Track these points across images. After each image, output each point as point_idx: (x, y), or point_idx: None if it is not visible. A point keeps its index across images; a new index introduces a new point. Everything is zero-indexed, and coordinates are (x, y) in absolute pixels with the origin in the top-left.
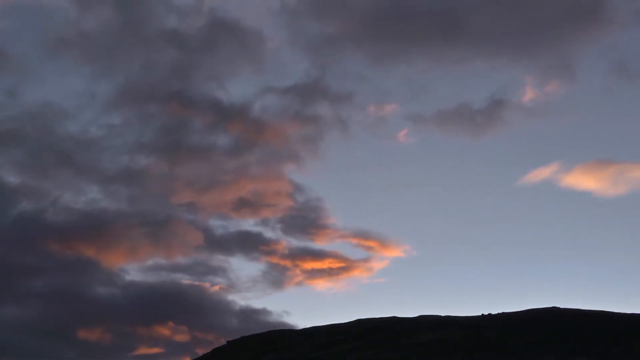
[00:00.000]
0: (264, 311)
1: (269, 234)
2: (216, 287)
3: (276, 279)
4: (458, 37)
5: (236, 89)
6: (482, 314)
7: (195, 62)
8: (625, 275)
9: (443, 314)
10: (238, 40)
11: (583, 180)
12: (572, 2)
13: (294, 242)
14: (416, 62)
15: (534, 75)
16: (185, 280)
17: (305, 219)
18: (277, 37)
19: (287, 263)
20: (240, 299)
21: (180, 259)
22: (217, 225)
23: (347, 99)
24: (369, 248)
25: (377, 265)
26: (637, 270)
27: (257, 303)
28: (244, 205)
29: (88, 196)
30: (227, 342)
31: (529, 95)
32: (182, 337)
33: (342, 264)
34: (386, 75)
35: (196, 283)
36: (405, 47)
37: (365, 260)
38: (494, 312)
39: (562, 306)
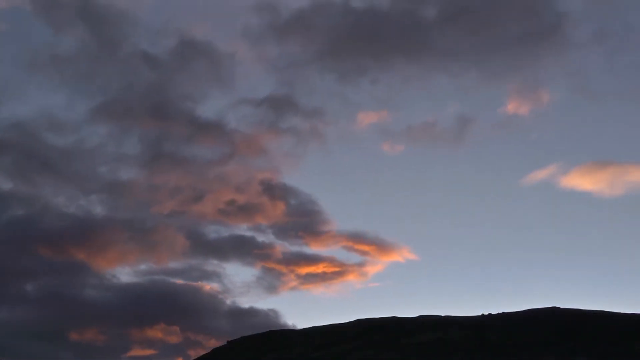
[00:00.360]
0: (257, 313)
1: (263, 239)
2: (208, 287)
3: (270, 284)
4: (422, 55)
5: (210, 104)
6: (482, 314)
7: (169, 81)
8: (625, 275)
9: (443, 314)
10: (208, 60)
11: (583, 181)
12: (533, 22)
13: (289, 247)
14: (381, 78)
15: (500, 92)
16: (179, 283)
17: (299, 225)
18: (246, 57)
19: (282, 268)
20: (234, 303)
21: (174, 264)
22: (211, 230)
23: (316, 113)
24: (364, 252)
25: (372, 269)
26: (636, 270)
27: (250, 306)
28: (236, 211)
29: (78, 203)
30: (228, 342)
31: (508, 109)
32: (174, 339)
33: (337, 269)
34: (354, 91)
35: (189, 283)
36: (370, 65)
37: (361, 264)
38: (494, 312)
39: (562, 306)
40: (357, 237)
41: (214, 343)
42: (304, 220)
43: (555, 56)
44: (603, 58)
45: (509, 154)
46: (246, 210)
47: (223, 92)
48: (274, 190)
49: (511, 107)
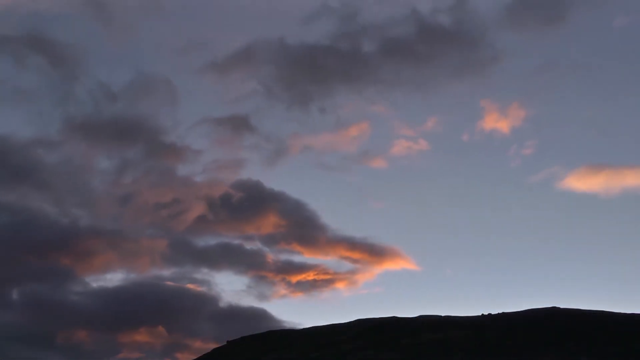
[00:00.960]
0: (245, 315)
1: (254, 247)
2: (193, 286)
3: (261, 293)
4: (367, 83)
5: (174, 127)
6: (482, 314)
7: (128, 110)
8: (625, 275)
9: (443, 314)
10: (165, 92)
11: (581, 183)
12: (472, 55)
13: (280, 255)
14: (328, 106)
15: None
16: (167, 286)
17: (292, 233)
18: (198, 87)
19: (273, 276)
20: (219, 306)
21: (163, 272)
22: (200, 239)
23: (273, 134)
24: (357, 259)
25: (365, 276)
26: (636, 270)
27: (236, 305)
28: (223, 220)
29: (62, 213)
30: (227, 342)
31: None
32: (161, 341)
33: (328, 277)
34: (305, 114)
35: (178, 285)
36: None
37: (353, 272)
38: (494, 312)
39: (562, 306)
40: (349, 244)
41: (200, 345)
42: (295, 228)
43: (494, 87)
44: (544, 88)
45: (501, 160)
46: (234, 219)
47: (183, 116)
48: (259, 198)
49: (487, 123)
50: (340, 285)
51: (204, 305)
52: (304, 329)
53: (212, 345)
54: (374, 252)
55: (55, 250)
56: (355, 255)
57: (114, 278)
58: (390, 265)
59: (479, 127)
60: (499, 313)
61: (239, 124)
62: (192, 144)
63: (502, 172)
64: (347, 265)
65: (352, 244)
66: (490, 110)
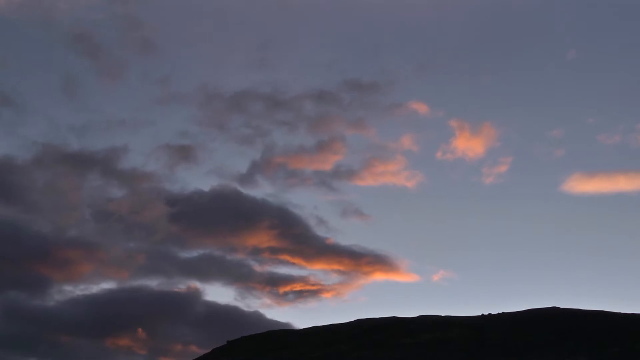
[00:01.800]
0: (237, 315)
1: (244, 258)
2: (177, 289)
3: (248, 305)
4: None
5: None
6: (483, 314)
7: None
8: (625, 275)
9: (443, 314)
10: (116, 125)
11: (581, 186)
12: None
13: (267, 265)
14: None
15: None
16: (152, 291)
17: (282, 243)
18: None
19: (262, 287)
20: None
21: (152, 282)
22: (186, 251)
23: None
24: (347, 269)
25: (352, 287)
26: (636, 270)
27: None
28: (211, 230)
29: (47, 225)
30: (227, 342)
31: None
32: (143, 346)
33: (316, 287)
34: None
35: (163, 290)
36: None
37: (342, 282)
38: (494, 312)
39: (562, 306)
40: (336, 255)
41: (180, 348)
42: (288, 239)
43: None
44: None
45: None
46: (220, 231)
47: (137, 145)
48: (243, 210)
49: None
50: (327, 295)
51: (188, 309)
52: (304, 329)
53: (194, 349)
54: (362, 262)
55: (37, 260)
56: (343, 266)
57: (99, 287)
58: (378, 276)
59: (452, 147)
60: (499, 313)
61: (188, 154)
62: (155, 169)
63: (500, 174)
64: (335, 276)
65: (340, 255)
66: (462, 129)
